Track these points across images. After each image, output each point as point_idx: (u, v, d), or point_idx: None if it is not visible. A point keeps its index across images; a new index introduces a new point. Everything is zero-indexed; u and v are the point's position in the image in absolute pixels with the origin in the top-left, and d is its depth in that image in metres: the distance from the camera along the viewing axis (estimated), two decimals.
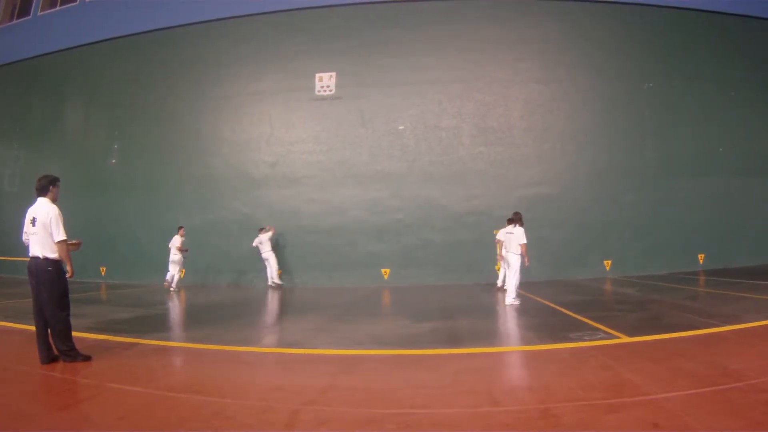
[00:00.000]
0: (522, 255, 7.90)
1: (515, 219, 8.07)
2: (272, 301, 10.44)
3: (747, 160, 13.51)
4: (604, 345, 4.63)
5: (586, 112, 13.12)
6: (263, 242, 12.68)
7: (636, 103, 13.27)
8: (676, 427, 2.53)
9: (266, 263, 12.80)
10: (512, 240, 8.02)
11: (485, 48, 13.28)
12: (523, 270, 8.13)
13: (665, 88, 13.38)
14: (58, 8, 16.86)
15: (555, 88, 13.13)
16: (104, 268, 15.00)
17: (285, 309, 9.36)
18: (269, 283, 12.84)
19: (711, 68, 13.60)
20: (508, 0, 13.45)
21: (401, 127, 13.31)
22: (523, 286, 9.41)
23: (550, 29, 13.35)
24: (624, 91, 13.30)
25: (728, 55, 13.77)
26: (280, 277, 13.10)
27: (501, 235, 8.97)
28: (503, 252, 8.60)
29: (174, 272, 12.24)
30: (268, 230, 12.85)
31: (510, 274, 8.13)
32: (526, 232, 8.02)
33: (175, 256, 12.24)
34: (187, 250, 12.41)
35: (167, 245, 12.40)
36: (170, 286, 12.15)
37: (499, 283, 10.66)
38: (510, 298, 7.94)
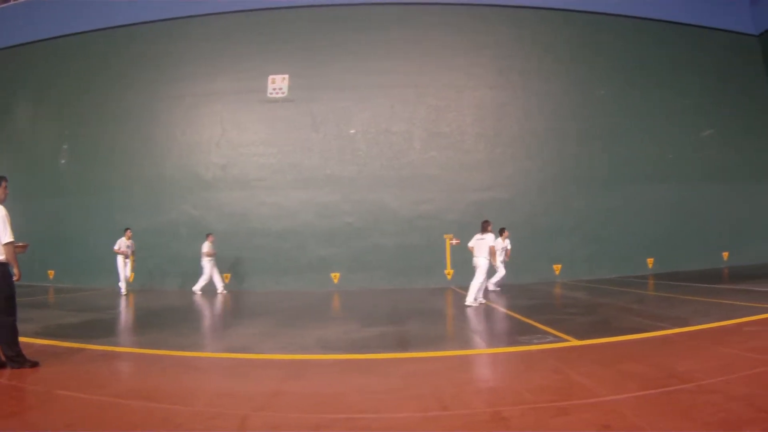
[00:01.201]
0: (490, 258, 8.28)
1: (485, 227, 8.45)
2: (220, 305, 10.20)
3: (696, 167, 13.75)
4: (553, 348, 4.64)
5: (538, 117, 13.18)
6: (204, 249, 12.07)
7: (588, 109, 13.41)
8: (626, 429, 2.54)
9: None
10: (482, 245, 8.34)
11: (438, 53, 13.28)
12: (490, 273, 8.55)
13: (617, 96, 13.56)
14: (9, 3, 16.41)
15: (507, 94, 13.18)
16: (52, 272, 14.56)
17: (233, 313, 9.17)
18: (195, 289, 12.03)
19: (663, 77, 13.83)
20: (462, 6, 13.48)
21: (353, 131, 13.22)
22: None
23: (504, 35, 13.41)
24: (576, 98, 13.43)
25: (680, 64, 14.02)
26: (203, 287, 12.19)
27: (472, 242, 9.11)
28: (474, 258, 8.73)
29: (121, 276, 11.79)
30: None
31: (476, 276, 8.32)
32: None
33: (118, 257, 11.76)
34: (125, 253, 11.79)
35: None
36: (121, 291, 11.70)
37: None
38: (470, 299, 8.17)
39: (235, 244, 13.21)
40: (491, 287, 10.67)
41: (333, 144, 13.21)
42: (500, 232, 10.79)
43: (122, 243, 11.82)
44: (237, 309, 9.75)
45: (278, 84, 13.62)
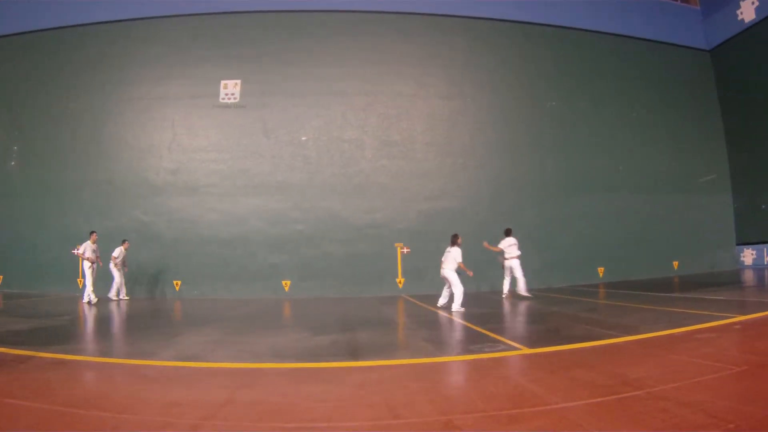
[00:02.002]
0: (461, 269, 8.63)
1: (453, 240, 8.95)
2: (170, 312, 10.04)
3: (645, 178, 13.93)
4: (504, 356, 4.61)
5: (488, 127, 13.23)
6: (113, 254, 11.61)
7: (539, 120, 13.49)
8: None
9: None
10: (449, 258, 8.77)
11: (391, 61, 13.25)
12: (464, 281, 8.68)
13: (568, 108, 13.68)
14: None
15: (459, 104, 13.19)
16: (1, 277, 14.26)
17: (183, 321, 8.97)
18: (109, 295, 11.57)
19: (614, 90, 14.02)
20: (416, 15, 13.49)
21: (304, 138, 13.12)
22: (425, 298, 10.35)
23: (457, 45, 13.42)
24: (528, 109, 13.50)
25: (630, 78, 14.24)
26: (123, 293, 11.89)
27: (444, 255, 9.44)
28: (441, 270, 9.11)
29: (87, 283, 10.79)
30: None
31: (453, 289, 8.72)
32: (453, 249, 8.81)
33: (85, 263, 10.81)
34: (90, 259, 10.82)
35: (67, 252, 11.60)
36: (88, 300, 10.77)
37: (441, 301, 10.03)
38: (456, 306, 8.51)
39: (185, 250, 13.05)
40: (523, 293, 10.51)
41: (284, 151, 13.10)
42: (507, 233, 10.99)
43: (88, 247, 10.83)
44: (187, 316, 9.56)
45: (230, 89, 13.47)
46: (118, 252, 11.75)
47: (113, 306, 10.74)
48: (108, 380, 4.20)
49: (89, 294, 10.75)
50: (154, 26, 14.05)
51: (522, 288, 10.43)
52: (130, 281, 13.00)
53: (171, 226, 13.05)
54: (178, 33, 13.89)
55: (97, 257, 11.10)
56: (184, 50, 13.80)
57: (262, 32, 13.59)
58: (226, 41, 13.59)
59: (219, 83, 13.52)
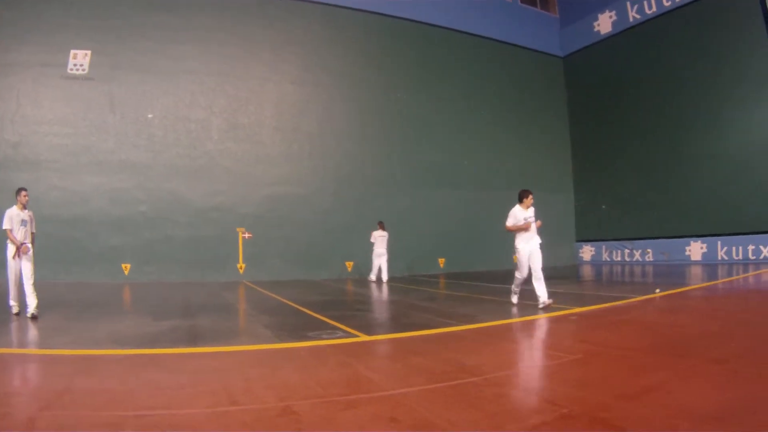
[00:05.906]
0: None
1: (382, 226, 11.60)
2: (3, 296, 9.77)
3: (489, 174, 14.57)
4: (342, 343, 4.69)
5: (338, 116, 13.41)
6: None
7: (388, 113, 13.81)
8: (414, 421, 2.57)
9: None
10: (384, 241, 11.48)
11: (245, 43, 13.16)
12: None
13: (421, 103, 14.03)
14: None
15: (310, 91, 13.30)
16: None
17: (19, 306, 8.79)
18: None
19: (466, 88, 14.48)
20: None
21: (150, 116, 12.89)
22: (266, 285, 11.20)
23: (313, 32, 13.47)
24: (379, 101, 13.78)
25: (484, 77, 14.74)
26: None
27: (374, 237, 11.60)
28: (378, 249, 11.56)
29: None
30: None
31: (384, 266, 11.53)
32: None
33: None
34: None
35: None
36: None
37: (372, 277, 12.01)
38: (385, 276, 11.58)
39: None
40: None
41: (129, 128, 12.82)
42: (520, 198, 6.96)
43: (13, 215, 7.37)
44: (24, 301, 9.37)
45: (80, 60, 13.00)
46: None
47: None
48: None
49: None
50: None
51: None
52: None
53: (9, 204, 12.61)
54: None
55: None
56: (35, 15, 13.13)
57: (118, 2, 13.12)
58: (80, 8, 12.99)
59: (69, 53, 13.02)
